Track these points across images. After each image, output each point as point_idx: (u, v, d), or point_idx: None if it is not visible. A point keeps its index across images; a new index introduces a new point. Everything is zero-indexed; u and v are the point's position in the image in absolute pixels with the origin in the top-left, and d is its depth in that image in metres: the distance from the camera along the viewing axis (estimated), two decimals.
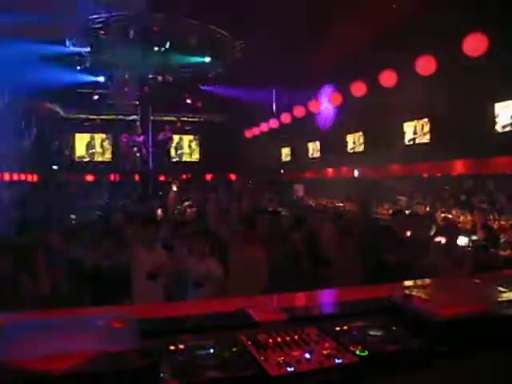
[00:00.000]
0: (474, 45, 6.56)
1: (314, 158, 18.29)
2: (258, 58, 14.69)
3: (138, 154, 20.38)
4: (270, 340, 1.94)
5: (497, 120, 9.42)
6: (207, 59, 18.28)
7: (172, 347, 1.84)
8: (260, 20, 11.94)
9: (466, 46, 6.63)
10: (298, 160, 19.78)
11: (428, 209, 11.15)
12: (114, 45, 15.91)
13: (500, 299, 2.23)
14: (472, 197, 10.50)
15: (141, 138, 20.06)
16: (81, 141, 23.10)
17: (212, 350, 1.84)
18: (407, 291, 2.29)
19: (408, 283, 2.67)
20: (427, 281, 2.78)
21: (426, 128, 11.75)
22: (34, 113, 19.34)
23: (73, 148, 22.74)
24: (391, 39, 10.80)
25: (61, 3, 12.94)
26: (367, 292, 2.65)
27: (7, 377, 1.53)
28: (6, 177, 17.39)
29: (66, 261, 4.59)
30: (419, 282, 2.71)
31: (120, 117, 21.78)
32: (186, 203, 10.26)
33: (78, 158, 22.92)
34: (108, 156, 23.26)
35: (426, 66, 7.69)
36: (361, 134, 14.93)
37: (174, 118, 22.93)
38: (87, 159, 23.05)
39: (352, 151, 15.39)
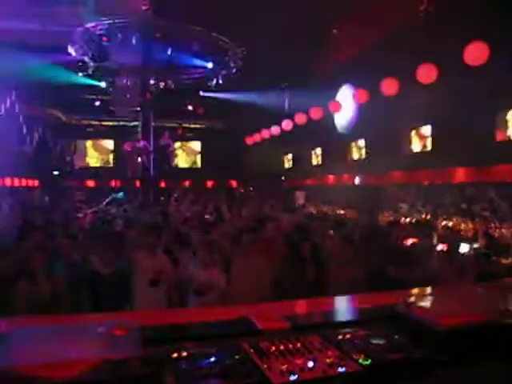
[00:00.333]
0: (475, 54, 6.58)
1: (315, 165, 18.29)
2: (262, 62, 14.73)
3: (139, 160, 20.38)
4: (273, 348, 1.94)
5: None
6: (209, 65, 18.32)
7: (175, 355, 1.84)
8: (263, 24, 11.95)
9: (468, 55, 6.64)
10: (299, 167, 19.78)
11: (429, 216, 11.16)
12: (116, 51, 15.96)
13: (502, 308, 2.23)
14: (473, 205, 10.50)
15: (142, 144, 20.07)
16: (82, 146, 23.17)
17: (215, 358, 1.83)
18: (409, 300, 2.29)
19: (410, 291, 2.67)
20: (429, 289, 2.78)
21: (428, 135, 11.77)
22: (35, 118, 19.39)
23: (74, 153, 22.79)
24: (391, 47, 10.84)
25: (63, 10, 13.03)
26: (370, 300, 2.65)
27: None
28: (8, 182, 17.42)
29: (67, 265, 4.59)
30: (421, 290, 2.71)
31: (122, 123, 21.83)
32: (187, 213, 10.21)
33: (79, 163, 22.98)
34: (109, 162, 23.31)
35: (426, 74, 7.70)
36: (363, 141, 14.94)
37: (175, 125, 22.98)
38: (88, 165, 23.10)
39: (353, 158, 15.40)
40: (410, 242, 6.61)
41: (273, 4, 10.81)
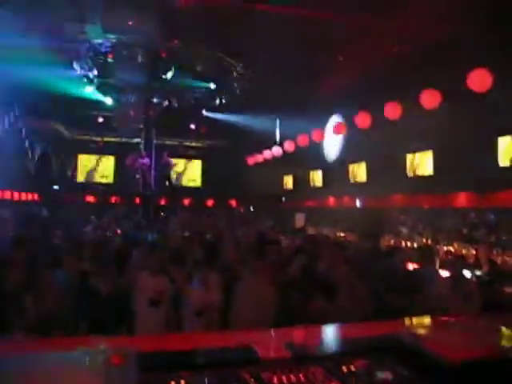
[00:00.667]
0: (479, 80, 6.61)
1: (315, 187, 18.26)
2: (262, 86, 14.84)
3: (140, 178, 20.39)
4: (275, 379, 1.87)
5: None
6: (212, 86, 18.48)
7: (172, 383, 1.78)
8: (262, 48, 12.06)
9: (471, 81, 6.67)
10: (299, 188, 19.76)
11: (430, 241, 11.08)
12: (120, 69, 16.09)
13: None
14: (474, 230, 10.43)
15: (144, 162, 20.10)
16: (83, 162, 23.20)
17: None
18: (416, 330, 2.21)
19: (417, 321, 2.59)
20: (436, 319, 2.69)
21: (430, 160, 11.74)
22: (37, 133, 19.45)
23: (75, 169, 22.82)
24: (395, 71, 10.91)
25: (68, 26, 13.15)
26: (375, 329, 2.57)
27: None
28: (8, 195, 17.37)
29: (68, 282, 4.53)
30: (428, 320, 2.63)
31: (124, 139, 21.89)
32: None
33: (80, 178, 22.98)
34: (110, 178, 23.30)
35: (430, 99, 7.73)
36: (363, 164, 14.93)
37: (176, 143, 23.05)
38: (89, 180, 23.09)
39: (354, 181, 15.37)
40: (411, 267, 6.55)
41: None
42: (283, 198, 21.58)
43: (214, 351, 2.11)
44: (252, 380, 1.84)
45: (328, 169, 17.13)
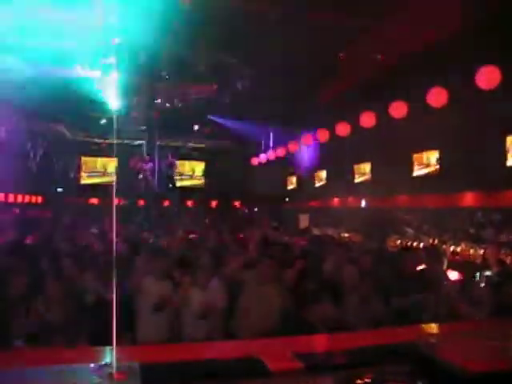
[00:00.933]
0: (488, 77, 6.49)
1: (320, 187, 18.16)
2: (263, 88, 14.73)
3: (143, 179, 20.34)
4: None
5: None
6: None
7: None
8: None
9: (479, 78, 6.56)
10: (303, 189, 19.66)
11: (436, 241, 10.95)
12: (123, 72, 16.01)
13: None
14: (481, 230, 10.30)
15: (147, 163, 20.05)
16: (86, 164, 23.15)
17: None
18: (433, 339, 2.11)
19: (432, 328, 2.49)
20: (451, 326, 2.59)
21: (436, 159, 11.63)
22: (40, 134, 19.41)
23: (78, 171, 22.76)
24: (402, 69, 10.79)
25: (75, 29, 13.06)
26: (388, 336, 2.47)
27: None
28: (11, 198, 17.32)
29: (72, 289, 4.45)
30: (443, 327, 2.53)
31: (126, 141, 21.81)
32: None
33: (83, 180, 22.93)
34: (113, 180, 23.22)
35: (437, 97, 7.62)
36: (368, 164, 14.83)
37: (180, 144, 22.96)
38: (92, 182, 23.02)
39: (359, 181, 15.26)
40: (419, 268, 6.42)
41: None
42: (287, 199, 21.49)
43: (222, 362, 2.02)
44: None
45: (332, 169, 17.02)
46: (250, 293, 4.52)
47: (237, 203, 22.74)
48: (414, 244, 11.20)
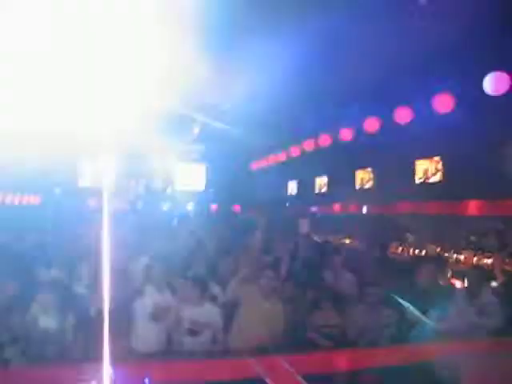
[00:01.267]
0: (496, 84, 6.39)
1: (321, 193, 18.04)
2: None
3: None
4: None
5: None
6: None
7: None
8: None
9: (488, 84, 6.45)
10: (304, 194, 19.53)
11: (438, 249, 10.84)
12: None
13: None
14: (484, 239, 10.18)
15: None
16: (86, 165, 22.99)
17: None
18: (442, 360, 1.96)
19: (439, 347, 2.32)
20: (467, 344, 2.43)
21: (439, 167, 11.52)
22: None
23: (77, 172, 22.60)
24: (405, 75, 10.67)
25: None
26: (397, 354, 2.31)
27: None
28: (9, 199, 17.19)
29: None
30: (458, 345, 2.37)
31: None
32: None
33: (82, 182, 22.76)
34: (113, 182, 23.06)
35: (443, 103, 7.51)
36: (370, 170, 14.71)
37: (180, 147, 22.81)
38: (91, 184, 22.86)
39: (360, 187, 15.14)
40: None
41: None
42: (287, 204, 21.33)
43: None
44: None
45: (333, 175, 16.90)
46: (247, 305, 4.38)
47: (237, 207, 22.59)
48: (416, 251, 11.09)
